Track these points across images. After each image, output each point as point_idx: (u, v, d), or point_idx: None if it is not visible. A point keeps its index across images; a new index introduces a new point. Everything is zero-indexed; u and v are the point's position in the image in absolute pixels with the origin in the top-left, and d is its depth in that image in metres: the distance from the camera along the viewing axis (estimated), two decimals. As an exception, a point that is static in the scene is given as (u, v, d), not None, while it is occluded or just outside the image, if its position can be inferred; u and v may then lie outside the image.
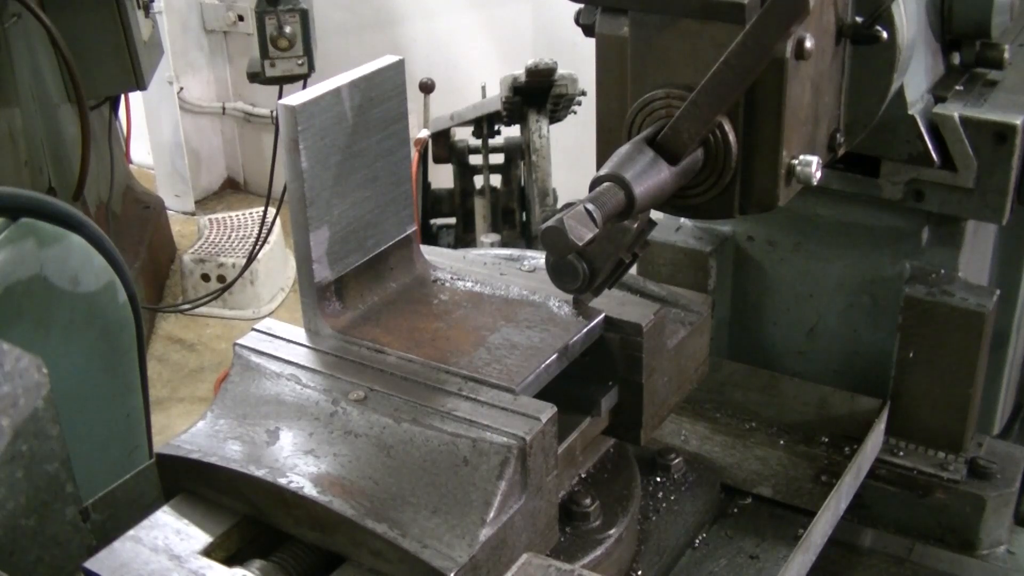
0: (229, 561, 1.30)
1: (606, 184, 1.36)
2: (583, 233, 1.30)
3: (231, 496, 1.34)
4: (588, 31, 1.62)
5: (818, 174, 1.48)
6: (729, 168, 1.47)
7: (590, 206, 1.31)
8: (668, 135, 1.41)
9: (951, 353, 1.85)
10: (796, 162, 1.48)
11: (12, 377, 1.44)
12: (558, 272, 1.49)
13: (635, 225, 1.48)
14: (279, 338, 1.50)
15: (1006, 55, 1.78)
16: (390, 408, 1.36)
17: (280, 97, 1.49)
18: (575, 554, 1.50)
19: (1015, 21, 1.83)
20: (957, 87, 1.79)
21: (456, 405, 1.35)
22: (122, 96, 5.40)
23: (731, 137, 1.45)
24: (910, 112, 1.72)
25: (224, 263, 5.76)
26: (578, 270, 1.47)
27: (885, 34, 1.53)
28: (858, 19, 1.54)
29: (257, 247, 5.39)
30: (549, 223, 1.30)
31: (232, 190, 7.20)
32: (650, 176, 1.39)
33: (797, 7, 1.30)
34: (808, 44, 1.40)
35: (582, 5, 1.67)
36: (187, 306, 5.62)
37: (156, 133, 6.56)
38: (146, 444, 2.22)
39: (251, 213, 6.22)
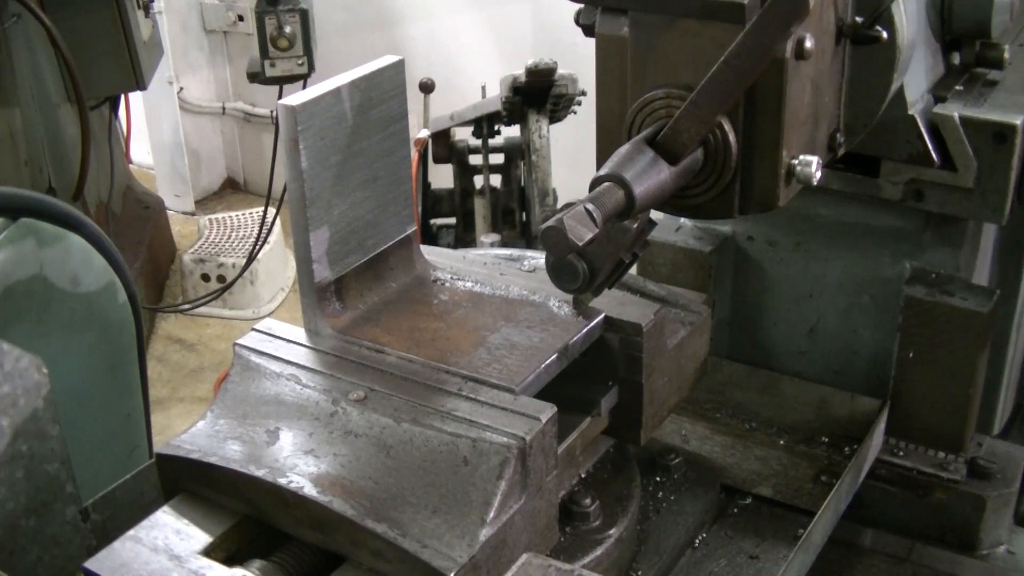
0: (229, 561, 1.30)
1: (606, 184, 1.36)
2: (583, 233, 1.30)
3: (231, 496, 1.34)
4: (588, 31, 1.61)
5: (818, 174, 1.48)
6: (729, 168, 1.47)
7: (590, 206, 1.31)
8: (668, 135, 1.41)
9: (951, 353, 1.85)
10: (796, 162, 1.48)
11: (12, 377, 1.44)
12: (558, 272, 1.49)
13: (635, 225, 1.48)
14: (279, 338, 1.50)
15: (1006, 55, 1.78)
16: (390, 408, 1.36)
17: (280, 97, 1.49)
18: (575, 554, 1.50)
19: (1015, 21, 1.83)
20: (957, 87, 1.79)
21: (456, 405, 1.35)
22: (122, 96, 5.40)
23: (731, 137, 1.45)
24: (910, 112, 1.71)
25: (224, 263, 5.76)
26: (578, 270, 1.47)
27: (885, 34, 1.53)
28: (858, 19, 1.54)
29: (257, 247, 5.39)
30: (549, 223, 1.30)
31: (232, 190, 7.19)
32: (650, 176, 1.39)
33: (797, 7, 1.30)
34: (808, 44, 1.40)
35: (582, 5, 1.67)
36: (187, 306, 5.61)
37: (156, 133, 6.55)
38: (146, 444, 2.22)
39: (251, 213, 6.22)
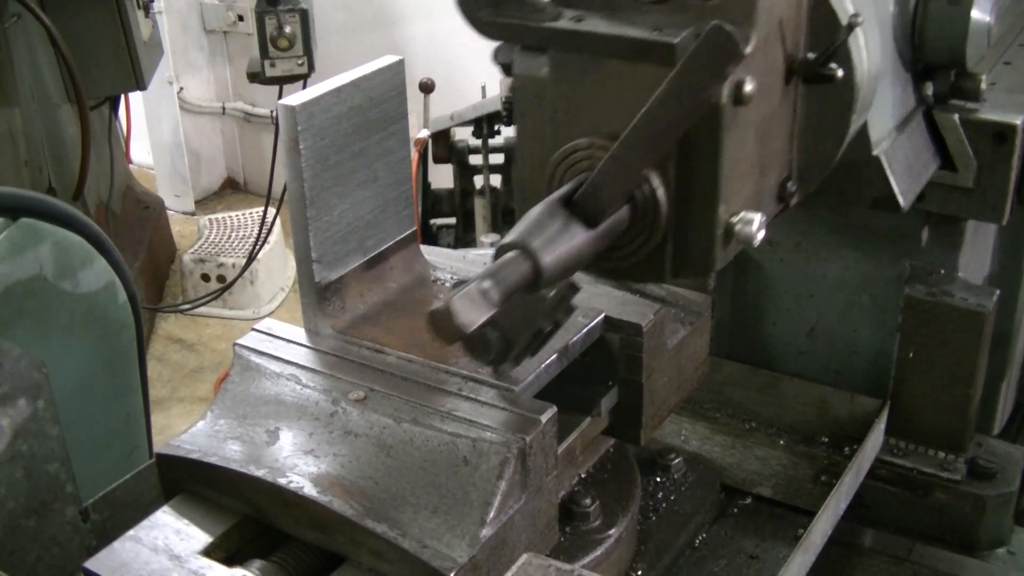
0: (229, 561, 1.30)
1: (509, 255, 1.19)
2: (474, 317, 1.13)
3: (231, 496, 1.34)
4: (506, 70, 1.41)
5: (760, 234, 1.29)
6: (659, 228, 1.28)
7: (486, 284, 1.15)
8: (587, 192, 1.22)
9: (951, 353, 1.85)
10: (735, 219, 1.29)
11: (12, 377, 1.44)
12: (469, 345, 1.33)
13: (552, 293, 1.34)
14: (279, 338, 1.50)
15: (983, 86, 1.67)
16: (390, 408, 1.36)
17: (280, 97, 1.49)
18: (575, 554, 1.50)
19: (1012, 23, 1.82)
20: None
21: (456, 405, 1.35)
22: (122, 96, 5.41)
23: (660, 193, 1.27)
24: (875, 153, 1.56)
25: (224, 263, 5.76)
26: (490, 341, 1.32)
27: (840, 72, 1.32)
28: (810, 55, 1.34)
29: (257, 247, 5.40)
30: (435, 306, 1.14)
31: (232, 190, 7.20)
32: (562, 242, 1.21)
33: (729, 49, 1.12)
34: (748, 88, 1.20)
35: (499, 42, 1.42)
36: (187, 306, 5.62)
37: (156, 133, 6.56)
38: (146, 444, 2.22)
39: (251, 213, 6.23)
